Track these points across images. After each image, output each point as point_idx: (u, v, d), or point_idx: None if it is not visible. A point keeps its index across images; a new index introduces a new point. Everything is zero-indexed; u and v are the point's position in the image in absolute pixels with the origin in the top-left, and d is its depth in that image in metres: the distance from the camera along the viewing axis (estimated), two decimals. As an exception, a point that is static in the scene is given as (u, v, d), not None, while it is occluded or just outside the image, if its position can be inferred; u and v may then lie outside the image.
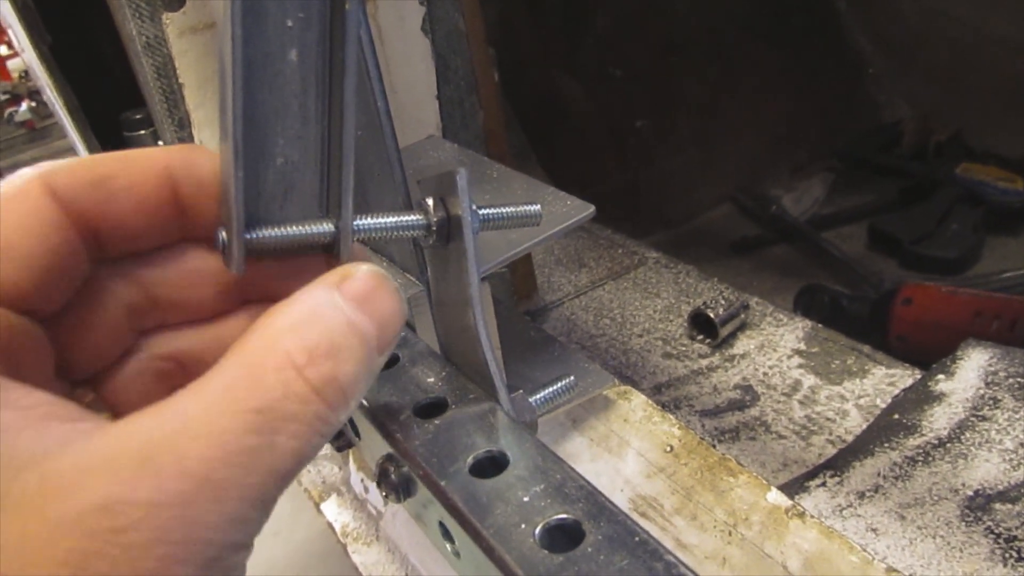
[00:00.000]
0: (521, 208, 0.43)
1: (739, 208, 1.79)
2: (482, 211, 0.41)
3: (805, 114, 1.87)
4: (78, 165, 0.33)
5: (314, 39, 0.35)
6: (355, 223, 0.38)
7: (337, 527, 0.69)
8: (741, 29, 1.82)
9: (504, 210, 0.43)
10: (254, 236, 0.35)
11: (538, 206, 0.43)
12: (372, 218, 0.39)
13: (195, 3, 0.60)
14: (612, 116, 1.71)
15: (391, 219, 0.40)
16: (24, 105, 4.51)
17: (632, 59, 1.71)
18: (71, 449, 0.25)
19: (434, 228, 0.40)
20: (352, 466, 0.70)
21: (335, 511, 0.70)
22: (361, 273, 0.33)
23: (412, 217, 0.40)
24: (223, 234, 0.35)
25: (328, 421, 0.29)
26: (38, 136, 4.69)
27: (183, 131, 0.65)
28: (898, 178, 1.73)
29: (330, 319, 0.31)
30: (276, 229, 0.36)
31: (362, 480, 0.69)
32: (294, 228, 0.36)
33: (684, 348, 0.92)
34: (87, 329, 0.34)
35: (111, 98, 0.75)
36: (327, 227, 0.37)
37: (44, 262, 0.31)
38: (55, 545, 0.23)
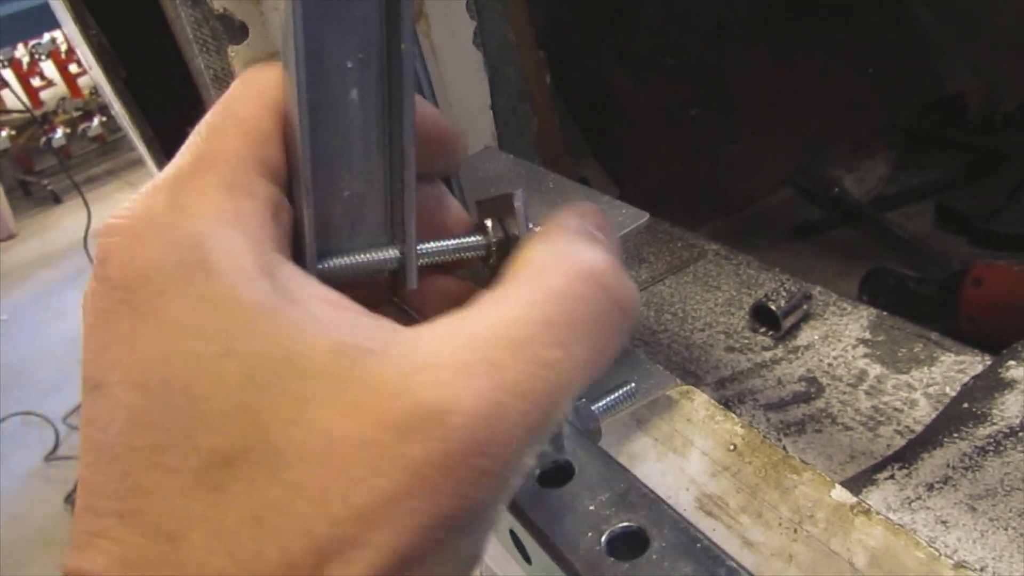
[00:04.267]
0: (577, 223, 0.44)
1: (800, 191, 1.76)
2: (539, 230, 0.43)
3: (864, 90, 1.83)
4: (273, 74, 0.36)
5: (373, 78, 0.37)
6: (419, 247, 0.40)
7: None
8: (792, 6, 1.79)
9: (561, 226, 0.44)
10: (325, 266, 0.38)
11: (593, 220, 0.45)
12: (435, 242, 0.41)
13: (257, 33, 0.63)
14: (666, 105, 1.71)
15: (453, 242, 0.42)
16: (96, 120, 4.68)
17: (683, 47, 1.70)
18: (390, 350, 0.26)
19: (494, 248, 0.42)
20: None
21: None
22: (591, 208, 0.36)
23: (473, 239, 0.42)
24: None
25: (622, 335, 0.30)
26: (110, 149, 4.88)
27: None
28: (964, 152, 1.68)
29: (607, 245, 0.32)
30: (345, 258, 0.38)
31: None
32: (362, 256, 0.39)
33: (747, 341, 0.92)
34: None
35: (183, 124, 0.79)
36: (393, 253, 0.39)
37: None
38: (397, 452, 0.24)
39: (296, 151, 0.35)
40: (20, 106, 4.24)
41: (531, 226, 0.42)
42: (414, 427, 0.24)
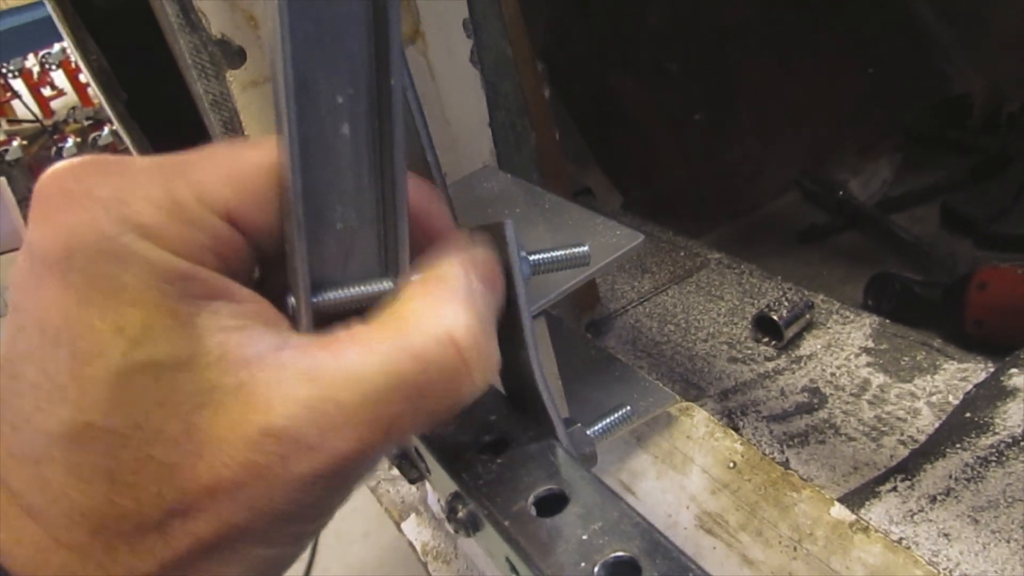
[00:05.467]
0: (569, 251, 0.45)
1: (805, 195, 1.76)
2: (532, 257, 0.43)
3: (868, 92, 1.82)
4: None
5: (363, 111, 0.37)
6: (413, 278, 0.40)
7: (418, 546, 0.72)
8: (796, 9, 1.78)
9: (553, 254, 0.44)
10: (320, 299, 0.38)
11: (586, 247, 0.45)
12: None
13: (255, 58, 0.63)
14: (670, 111, 1.71)
15: (446, 271, 0.42)
16: (106, 129, 4.71)
17: (687, 52, 1.70)
18: (268, 366, 0.30)
19: (487, 276, 0.42)
20: (428, 487, 0.73)
21: (415, 530, 0.73)
22: (484, 255, 0.39)
23: (466, 267, 0.43)
24: (292, 299, 0.37)
25: (470, 392, 0.33)
26: (119, 158, 4.90)
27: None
28: (969, 153, 1.68)
29: (480, 305, 0.35)
30: (339, 291, 0.38)
31: (439, 500, 0.71)
32: (356, 288, 0.39)
33: (750, 351, 0.92)
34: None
35: (183, 143, 0.80)
36: (387, 285, 0.39)
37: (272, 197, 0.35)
38: (239, 453, 0.28)
39: (287, 188, 0.35)
40: (31, 116, 4.26)
41: (523, 254, 0.42)
42: (263, 442, 0.29)
